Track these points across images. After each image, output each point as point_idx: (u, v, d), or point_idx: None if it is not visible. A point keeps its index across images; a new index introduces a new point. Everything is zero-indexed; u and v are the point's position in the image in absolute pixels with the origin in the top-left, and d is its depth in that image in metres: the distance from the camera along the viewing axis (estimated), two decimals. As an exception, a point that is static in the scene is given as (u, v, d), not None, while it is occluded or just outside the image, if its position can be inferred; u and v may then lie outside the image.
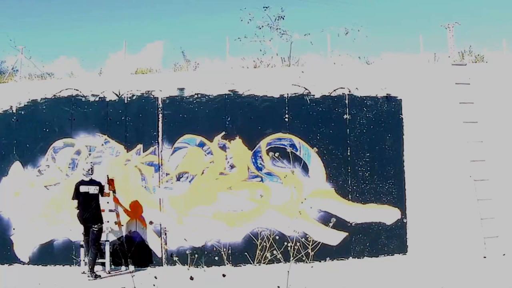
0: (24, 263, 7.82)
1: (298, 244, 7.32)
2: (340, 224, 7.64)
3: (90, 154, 8.04)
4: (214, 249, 7.66)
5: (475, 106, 7.96)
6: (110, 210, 7.54)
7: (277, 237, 7.56)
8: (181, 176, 7.93)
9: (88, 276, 6.90)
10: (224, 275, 4.05)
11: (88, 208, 7.05)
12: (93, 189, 7.14)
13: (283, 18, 9.94)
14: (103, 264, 7.36)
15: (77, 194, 7.11)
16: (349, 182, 7.82)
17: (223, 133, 7.96)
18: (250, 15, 9.97)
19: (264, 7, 9.92)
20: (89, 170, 7.23)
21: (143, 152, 7.99)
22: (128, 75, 8.86)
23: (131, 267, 7.54)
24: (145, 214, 7.85)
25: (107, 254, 7.31)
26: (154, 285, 4.84)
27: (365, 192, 7.80)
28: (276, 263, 7.46)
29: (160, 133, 7.99)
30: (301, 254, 7.41)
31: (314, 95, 8.03)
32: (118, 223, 7.66)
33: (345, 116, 7.96)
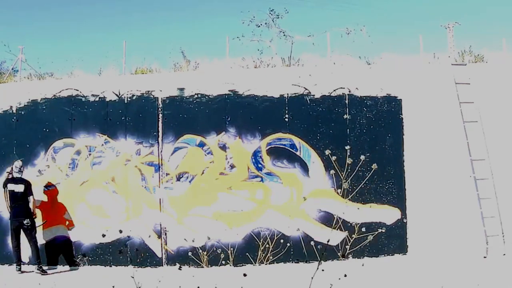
0: (24, 263, 7.80)
1: (298, 244, 7.32)
2: (340, 224, 7.64)
3: (90, 154, 8.04)
4: (214, 249, 7.66)
5: (475, 106, 7.97)
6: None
7: (277, 237, 7.57)
8: (181, 176, 7.93)
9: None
10: (245, 275, 4.05)
11: None
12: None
13: (281, 17, 9.92)
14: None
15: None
16: (349, 182, 7.81)
17: (223, 133, 7.96)
18: (253, 17, 9.95)
19: (270, 11, 9.92)
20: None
21: (143, 152, 7.99)
22: (128, 75, 8.86)
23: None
24: (145, 214, 7.86)
25: None
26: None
27: (365, 192, 7.79)
28: (277, 263, 7.46)
29: (160, 133, 7.99)
30: (301, 254, 7.42)
31: (314, 95, 8.03)
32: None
33: (345, 116, 7.96)
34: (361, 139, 7.93)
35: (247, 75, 8.35)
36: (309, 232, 7.64)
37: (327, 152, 7.67)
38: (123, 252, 7.53)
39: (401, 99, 8.04)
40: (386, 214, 7.77)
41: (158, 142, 7.98)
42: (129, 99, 8.14)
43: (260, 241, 7.56)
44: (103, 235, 7.45)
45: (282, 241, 7.53)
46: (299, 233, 7.65)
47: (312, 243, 7.37)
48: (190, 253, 7.60)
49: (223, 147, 7.95)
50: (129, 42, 9.19)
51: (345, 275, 3.82)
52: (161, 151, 7.97)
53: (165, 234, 7.79)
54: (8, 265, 7.80)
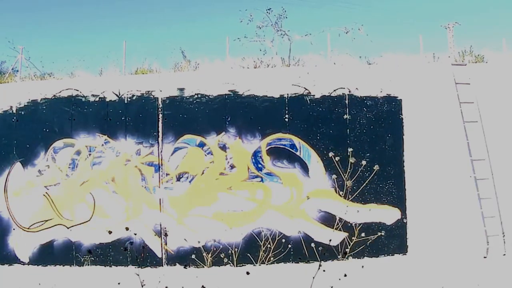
0: (24, 263, 7.81)
1: (298, 244, 7.31)
2: (340, 224, 7.64)
3: (90, 154, 8.04)
4: (215, 249, 7.66)
5: (475, 106, 7.97)
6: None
7: (277, 237, 7.57)
8: (181, 176, 7.93)
9: None
10: (248, 273, 4.07)
11: None
12: None
13: (286, 17, 9.90)
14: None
15: None
16: (349, 182, 7.81)
17: (223, 133, 7.96)
18: (250, 16, 9.93)
19: (267, 10, 9.90)
20: None
21: (143, 152, 7.99)
22: (128, 75, 8.85)
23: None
24: (145, 214, 7.85)
25: None
26: None
27: (365, 192, 7.80)
28: (277, 263, 7.46)
29: (160, 133, 7.99)
30: (301, 254, 7.41)
31: (314, 95, 8.03)
32: None
33: (345, 116, 7.96)
34: (361, 139, 7.93)
35: (247, 75, 8.35)
36: (309, 232, 7.64)
37: (327, 152, 7.72)
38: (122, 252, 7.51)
39: (401, 99, 8.04)
40: (386, 214, 7.77)
41: (158, 142, 7.98)
42: (129, 99, 8.14)
43: (261, 242, 7.57)
44: (110, 232, 7.45)
45: (283, 241, 7.53)
46: (299, 234, 7.65)
47: (312, 243, 7.37)
48: (190, 253, 7.60)
49: (223, 147, 7.95)
50: (129, 42, 9.20)
51: (345, 275, 3.83)
52: (161, 151, 7.97)
53: (165, 234, 7.79)
54: (8, 265, 7.81)
